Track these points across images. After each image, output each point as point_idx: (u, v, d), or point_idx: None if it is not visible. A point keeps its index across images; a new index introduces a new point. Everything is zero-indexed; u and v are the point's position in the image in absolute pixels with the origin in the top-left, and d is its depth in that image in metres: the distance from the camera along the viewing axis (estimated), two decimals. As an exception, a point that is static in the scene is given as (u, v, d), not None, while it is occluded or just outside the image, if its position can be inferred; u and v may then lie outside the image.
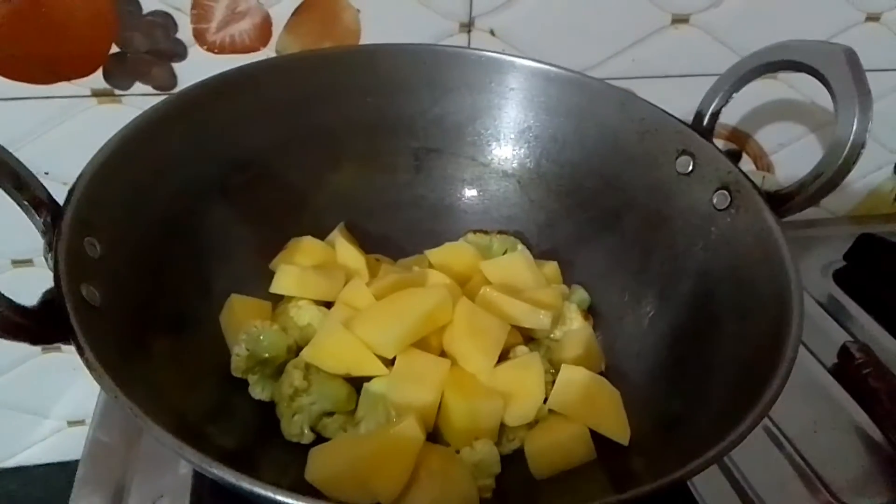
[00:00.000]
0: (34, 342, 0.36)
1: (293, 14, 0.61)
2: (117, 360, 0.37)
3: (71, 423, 0.79)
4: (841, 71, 0.47)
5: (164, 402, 0.41)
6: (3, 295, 0.35)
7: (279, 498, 0.30)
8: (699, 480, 0.54)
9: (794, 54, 0.50)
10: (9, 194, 0.41)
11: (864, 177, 0.86)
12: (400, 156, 0.61)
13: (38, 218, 0.41)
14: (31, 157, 0.43)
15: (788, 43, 0.51)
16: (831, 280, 0.78)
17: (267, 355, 0.47)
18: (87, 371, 0.79)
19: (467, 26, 0.65)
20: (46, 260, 0.40)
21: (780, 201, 0.49)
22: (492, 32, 0.65)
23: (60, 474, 0.79)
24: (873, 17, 0.74)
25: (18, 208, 0.41)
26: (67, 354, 0.74)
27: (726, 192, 0.51)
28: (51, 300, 0.37)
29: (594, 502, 0.31)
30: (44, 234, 0.41)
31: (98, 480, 0.53)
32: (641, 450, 0.46)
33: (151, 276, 0.47)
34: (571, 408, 0.46)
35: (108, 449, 0.55)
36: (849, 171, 0.47)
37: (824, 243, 0.84)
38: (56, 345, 0.72)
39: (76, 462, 0.61)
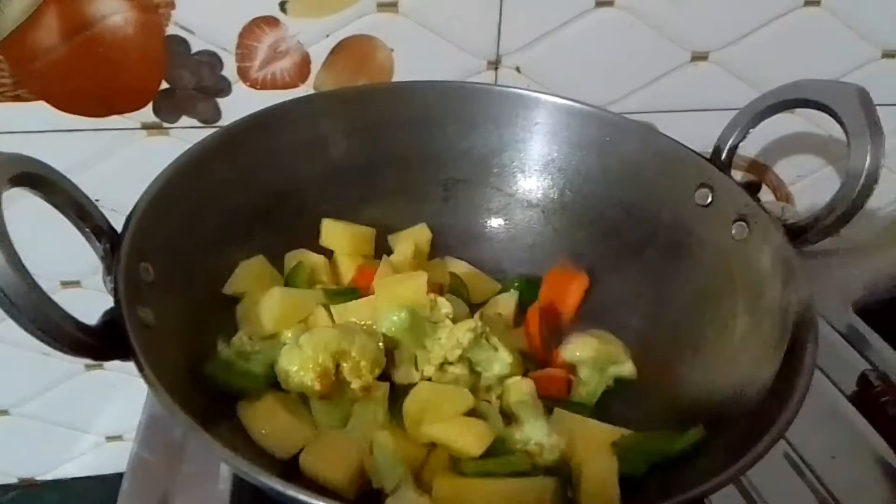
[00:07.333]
0: (96, 358, 0.39)
1: (330, 53, 0.64)
2: (170, 379, 0.40)
3: (109, 439, 0.82)
4: (853, 109, 0.49)
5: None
6: (70, 315, 0.38)
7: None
8: None
9: (808, 93, 0.52)
10: (73, 223, 0.44)
11: (885, 207, 0.88)
12: (429, 186, 0.64)
13: (98, 245, 0.44)
14: (83, 184, 0.45)
15: (802, 82, 0.53)
16: (851, 310, 0.79)
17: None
18: (125, 389, 0.82)
19: (494, 64, 0.68)
20: (105, 283, 0.44)
21: (796, 233, 0.51)
22: (518, 70, 0.68)
23: (99, 488, 0.82)
24: (889, 54, 0.76)
25: (68, 234, 0.44)
26: (107, 372, 0.77)
27: (744, 224, 0.52)
28: (110, 320, 0.40)
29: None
30: (103, 259, 0.44)
31: (141, 495, 0.55)
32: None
33: (199, 300, 0.50)
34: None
35: (151, 466, 0.57)
36: (861, 206, 0.48)
37: (846, 274, 0.85)
38: (98, 363, 0.77)
39: (114, 476, 0.63)
